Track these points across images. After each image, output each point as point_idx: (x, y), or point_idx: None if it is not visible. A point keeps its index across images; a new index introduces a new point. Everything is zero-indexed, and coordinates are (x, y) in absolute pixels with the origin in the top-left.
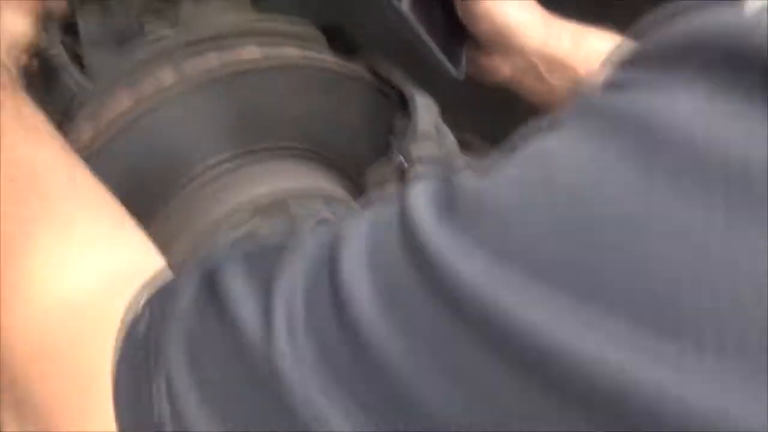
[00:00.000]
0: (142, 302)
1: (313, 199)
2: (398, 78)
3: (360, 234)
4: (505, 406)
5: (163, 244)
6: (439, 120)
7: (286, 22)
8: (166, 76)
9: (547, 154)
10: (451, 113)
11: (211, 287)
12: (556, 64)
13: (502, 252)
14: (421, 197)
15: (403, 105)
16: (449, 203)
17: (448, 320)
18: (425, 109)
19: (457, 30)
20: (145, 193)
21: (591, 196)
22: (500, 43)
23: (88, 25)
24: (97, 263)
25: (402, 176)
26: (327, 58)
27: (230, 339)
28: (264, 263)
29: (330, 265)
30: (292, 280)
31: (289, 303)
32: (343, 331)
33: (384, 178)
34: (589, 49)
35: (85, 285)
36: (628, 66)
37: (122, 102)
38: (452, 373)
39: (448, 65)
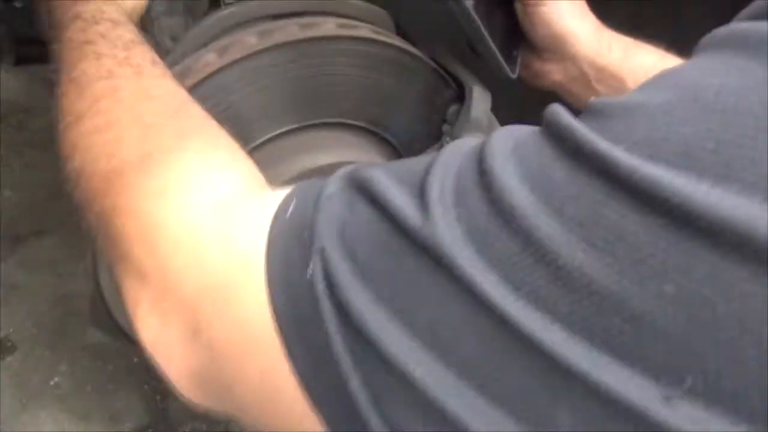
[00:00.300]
0: (283, 197)
1: None
2: (456, 67)
3: (505, 136)
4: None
5: None
6: (491, 112)
7: (362, 8)
8: (251, 39)
9: (688, 77)
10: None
11: (360, 186)
12: (605, 74)
13: (653, 143)
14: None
15: (459, 94)
16: (595, 111)
17: (601, 190)
18: (480, 99)
19: (516, 32)
20: None
21: (737, 102)
22: (555, 48)
23: None
24: (234, 174)
25: None
26: (395, 38)
27: (381, 218)
28: (411, 172)
29: (478, 156)
30: (443, 173)
31: (442, 187)
32: (493, 209)
33: None
34: (639, 62)
35: (235, 185)
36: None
37: (209, 59)
38: (608, 241)
39: (504, 64)
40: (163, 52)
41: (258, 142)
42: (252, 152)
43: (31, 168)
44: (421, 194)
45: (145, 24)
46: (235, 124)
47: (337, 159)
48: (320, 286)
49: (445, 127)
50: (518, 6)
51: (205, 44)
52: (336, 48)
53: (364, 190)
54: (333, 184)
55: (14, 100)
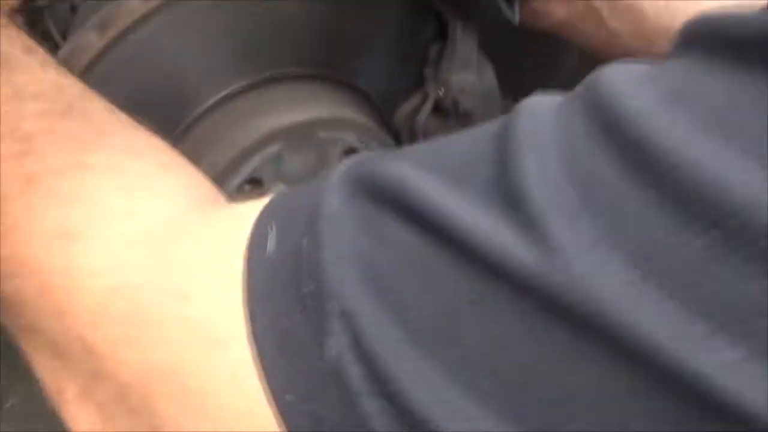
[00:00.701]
0: (253, 220)
1: (341, 128)
2: (437, 1)
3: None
4: None
5: None
6: (478, 50)
7: None
8: None
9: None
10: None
11: (381, 193)
12: (619, 7)
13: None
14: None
15: (440, 31)
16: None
17: None
18: (465, 34)
19: None
20: (160, 117)
21: None
22: None
23: None
24: (168, 189)
25: (439, 108)
26: None
27: (442, 248)
28: (462, 163)
29: (596, 105)
30: (535, 158)
31: (551, 183)
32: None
33: (417, 109)
34: None
35: (162, 214)
36: None
37: (133, 5)
38: None
39: (505, 8)
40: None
41: (206, 105)
42: (200, 118)
43: None
44: (509, 202)
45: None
46: (174, 86)
47: (305, 116)
48: (354, 373)
49: (428, 70)
50: None
51: None
52: None
53: (391, 200)
54: (333, 193)
55: None
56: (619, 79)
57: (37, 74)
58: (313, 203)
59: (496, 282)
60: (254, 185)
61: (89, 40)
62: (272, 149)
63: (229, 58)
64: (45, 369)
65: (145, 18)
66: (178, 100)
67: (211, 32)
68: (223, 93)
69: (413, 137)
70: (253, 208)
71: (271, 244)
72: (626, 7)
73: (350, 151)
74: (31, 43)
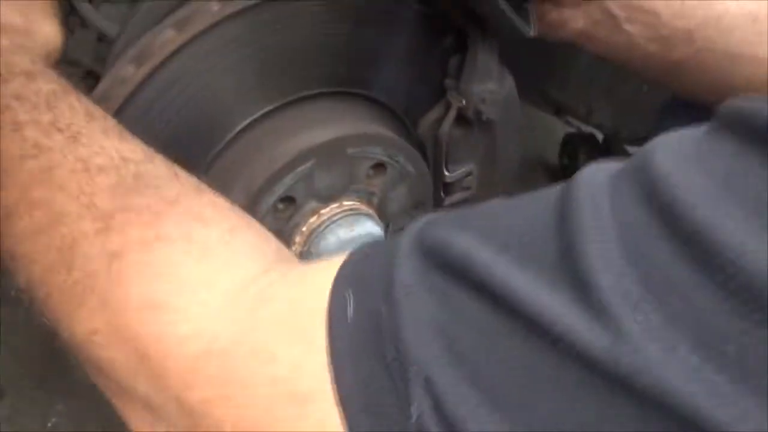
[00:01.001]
0: (328, 282)
1: (368, 143)
2: (455, 15)
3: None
4: None
5: None
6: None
7: None
8: (213, 6)
9: None
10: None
11: (449, 264)
12: (637, 11)
13: None
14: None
15: (459, 42)
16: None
17: None
18: (486, 45)
19: None
20: (196, 142)
21: None
22: None
23: None
24: (240, 254)
25: (461, 117)
26: None
27: (511, 322)
28: (525, 236)
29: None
30: (597, 239)
31: (616, 269)
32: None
33: (440, 120)
34: None
35: (238, 280)
36: None
37: (167, 36)
38: None
39: (520, 23)
40: (110, 41)
41: (239, 128)
42: (233, 141)
43: None
44: (576, 285)
45: (73, 27)
46: (208, 112)
47: (334, 134)
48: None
49: (448, 82)
50: None
51: (160, 19)
52: (310, 5)
53: (461, 274)
54: (405, 265)
55: None
56: (668, 163)
57: (101, 143)
58: (387, 273)
59: (568, 360)
60: (287, 203)
61: (127, 72)
62: (304, 168)
63: (257, 83)
64: (139, 421)
65: (180, 49)
66: (212, 125)
67: (241, 59)
68: (254, 116)
69: (438, 146)
70: (327, 271)
71: (350, 310)
72: (642, 11)
73: (378, 165)
74: (91, 107)
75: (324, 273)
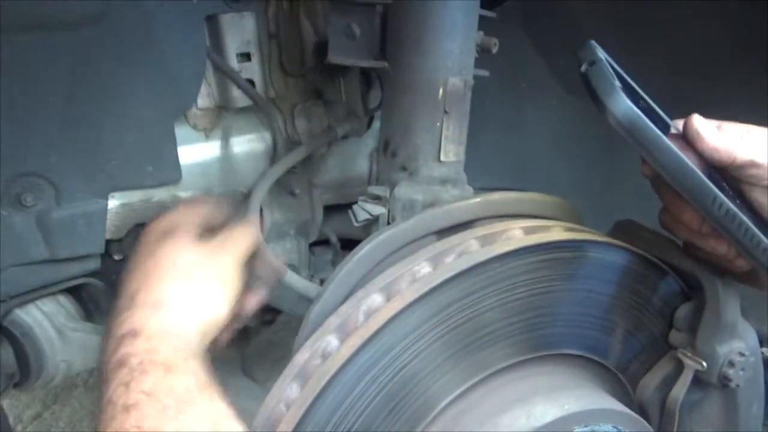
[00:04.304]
0: None
1: (598, 419)
2: (677, 254)
3: None
4: None
5: None
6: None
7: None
8: (425, 267)
9: None
10: None
11: None
12: None
13: None
14: None
15: (683, 290)
16: None
17: None
18: (729, 296)
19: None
20: (403, 419)
21: None
22: None
23: None
24: None
25: (699, 381)
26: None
27: None
28: None
29: None
30: None
31: None
32: None
33: (668, 382)
34: None
35: None
36: None
37: (374, 302)
38: None
39: None
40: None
41: (444, 403)
42: (441, 415)
43: None
44: None
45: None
46: (413, 389)
47: (561, 412)
48: None
49: (677, 336)
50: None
51: (362, 281)
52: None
53: None
54: None
55: None
56: None
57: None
58: None
59: None
60: None
61: (329, 342)
62: None
63: (461, 358)
64: None
65: (387, 324)
66: (418, 402)
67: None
68: (462, 388)
69: (668, 416)
70: None
71: None
72: None
73: None
74: (220, 411)
75: None
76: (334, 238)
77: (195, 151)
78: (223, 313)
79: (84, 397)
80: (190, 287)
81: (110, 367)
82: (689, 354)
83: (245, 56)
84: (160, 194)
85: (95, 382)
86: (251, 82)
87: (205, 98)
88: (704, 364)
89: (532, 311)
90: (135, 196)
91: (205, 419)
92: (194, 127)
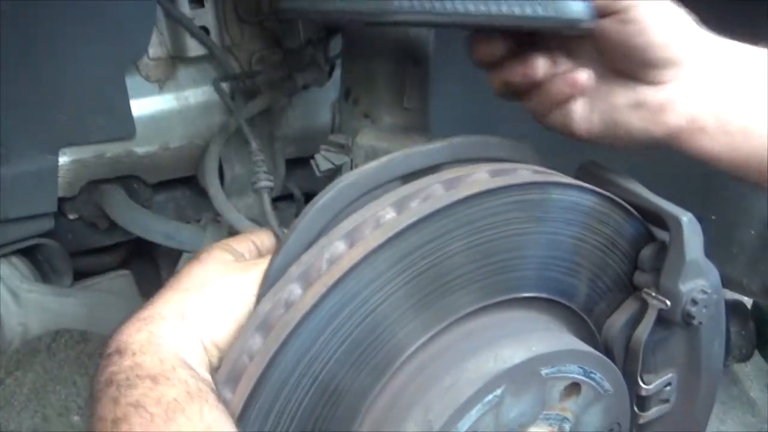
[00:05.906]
0: None
1: (565, 361)
2: (651, 196)
3: None
4: None
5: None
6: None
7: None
8: (388, 213)
9: None
10: None
11: None
12: None
13: None
14: None
15: (647, 230)
16: None
17: None
18: (693, 233)
19: None
20: (368, 369)
21: None
22: None
23: None
24: None
25: (662, 320)
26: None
27: None
28: None
29: None
30: None
31: None
32: None
33: (633, 322)
34: None
35: None
36: None
37: (337, 249)
38: None
39: None
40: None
41: (409, 351)
42: (405, 364)
43: None
44: None
45: None
46: (378, 336)
47: (529, 354)
48: None
49: (641, 277)
50: None
51: (325, 228)
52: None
53: None
54: None
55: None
56: None
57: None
58: None
59: None
60: None
61: (292, 291)
62: (492, 397)
63: (427, 304)
64: None
65: (350, 270)
66: (384, 350)
67: (422, 269)
68: (427, 335)
69: (632, 355)
70: None
71: None
72: None
73: (574, 386)
74: (198, 385)
75: None
76: (297, 193)
77: (149, 104)
78: (226, 325)
79: (47, 363)
80: (195, 299)
81: (99, 387)
82: (653, 293)
83: (198, 2)
84: (113, 149)
85: (58, 348)
86: (205, 29)
87: (157, 47)
88: (668, 302)
89: (498, 254)
90: (87, 152)
91: (196, 426)
92: (147, 78)
